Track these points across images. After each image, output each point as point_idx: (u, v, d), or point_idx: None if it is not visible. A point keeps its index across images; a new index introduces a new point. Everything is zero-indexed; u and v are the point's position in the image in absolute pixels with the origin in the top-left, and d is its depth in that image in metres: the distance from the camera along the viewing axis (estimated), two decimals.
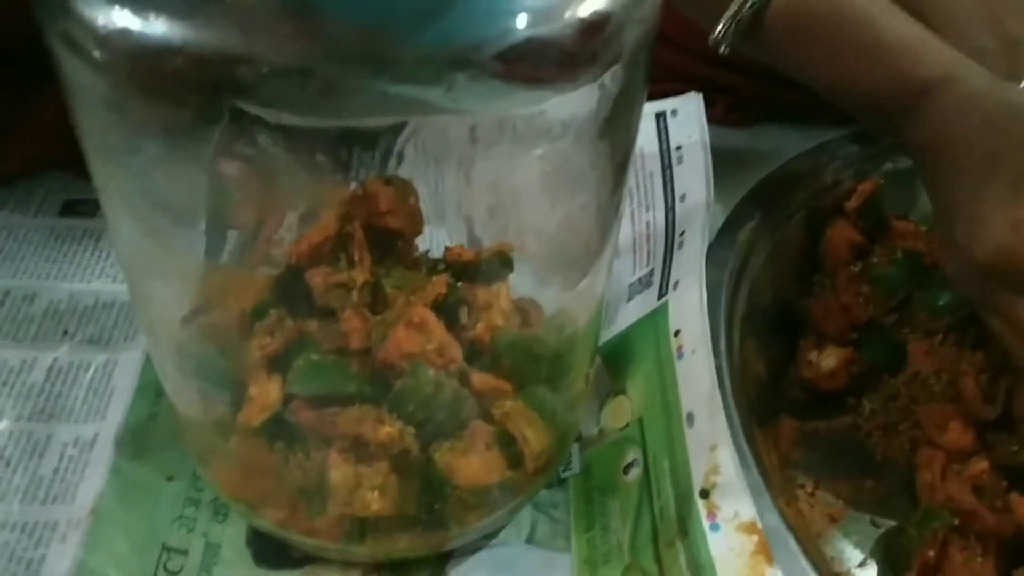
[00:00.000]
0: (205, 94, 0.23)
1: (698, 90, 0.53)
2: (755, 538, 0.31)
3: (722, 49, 0.42)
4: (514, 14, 0.24)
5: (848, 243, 0.45)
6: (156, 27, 0.22)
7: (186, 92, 0.23)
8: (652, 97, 0.48)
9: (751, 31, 0.41)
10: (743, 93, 0.55)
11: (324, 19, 0.24)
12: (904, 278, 0.44)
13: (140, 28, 0.22)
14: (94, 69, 0.23)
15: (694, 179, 0.44)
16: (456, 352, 0.32)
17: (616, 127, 0.29)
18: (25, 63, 0.42)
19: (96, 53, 0.23)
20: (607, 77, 0.26)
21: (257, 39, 0.22)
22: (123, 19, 0.22)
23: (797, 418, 0.42)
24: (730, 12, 0.41)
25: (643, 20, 0.27)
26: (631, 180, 0.47)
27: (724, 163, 0.46)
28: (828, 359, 0.42)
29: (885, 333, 0.44)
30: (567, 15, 0.24)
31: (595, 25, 0.25)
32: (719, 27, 0.41)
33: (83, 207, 0.47)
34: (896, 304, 0.44)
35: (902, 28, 0.39)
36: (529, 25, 0.24)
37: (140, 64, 0.23)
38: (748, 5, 0.40)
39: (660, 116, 0.48)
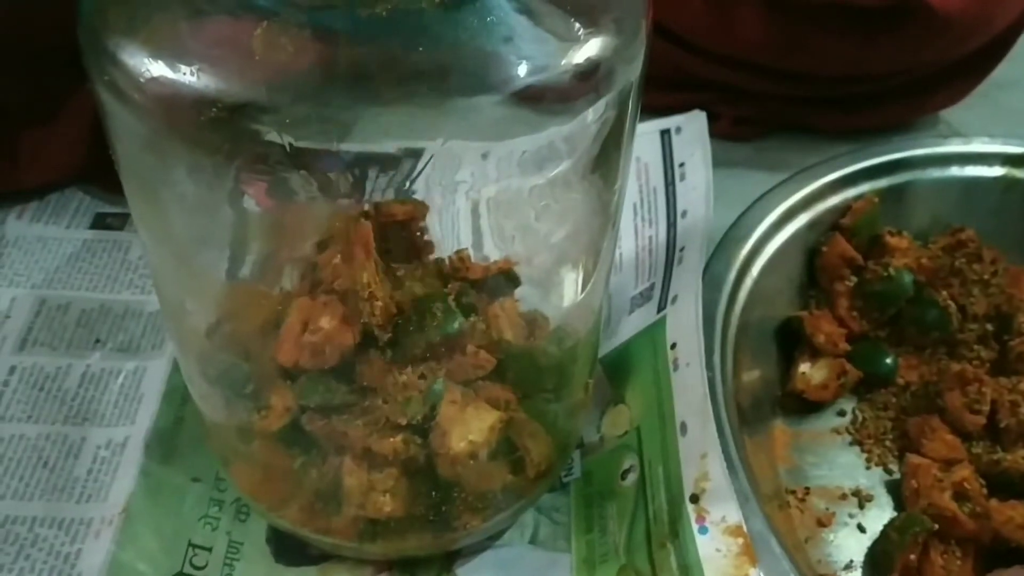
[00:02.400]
0: (232, 136, 0.25)
1: (706, 95, 0.55)
2: (740, 540, 0.33)
3: None
4: (515, 63, 0.26)
5: (843, 259, 0.46)
6: (188, 78, 0.24)
7: (215, 135, 0.25)
8: (660, 110, 0.50)
9: None
10: (751, 96, 0.57)
11: (349, 47, 0.26)
12: (896, 294, 0.45)
13: (175, 78, 0.24)
14: (133, 112, 0.26)
15: (695, 196, 0.46)
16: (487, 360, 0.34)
17: (609, 158, 0.31)
18: (56, 78, 0.44)
19: (136, 97, 0.25)
20: (600, 114, 0.29)
21: (285, 91, 0.24)
22: (160, 70, 0.25)
23: (790, 427, 0.44)
24: None
25: (633, 59, 0.29)
26: (636, 196, 0.49)
27: (727, 177, 0.48)
28: (819, 371, 0.44)
29: (877, 346, 0.46)
30: (563, 62, 0.26)
31: (589, 71, 0.27)
32: None
33: (113, 220, 0.50)
34: (888, 319, 0.46)
35: None
36: (529, 73, 0.26)
37: (174, 110, 0.25)
38: None
39: (665, 133, 0.50)
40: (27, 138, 0.48)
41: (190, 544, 0.38)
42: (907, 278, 0.45)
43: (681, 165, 0.48)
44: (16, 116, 0.48)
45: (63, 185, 0.50)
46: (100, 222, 0.49)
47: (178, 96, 0.24)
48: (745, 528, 0.34)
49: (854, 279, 0.46)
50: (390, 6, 0.24)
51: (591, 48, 0.27)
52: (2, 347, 0.44)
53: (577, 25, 0.27)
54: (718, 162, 0.47)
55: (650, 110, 0.50)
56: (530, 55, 0.26)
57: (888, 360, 0.45)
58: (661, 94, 0.53)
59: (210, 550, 0.38)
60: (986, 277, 0.47)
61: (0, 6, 0.44)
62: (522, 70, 0.26)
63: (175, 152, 0.26)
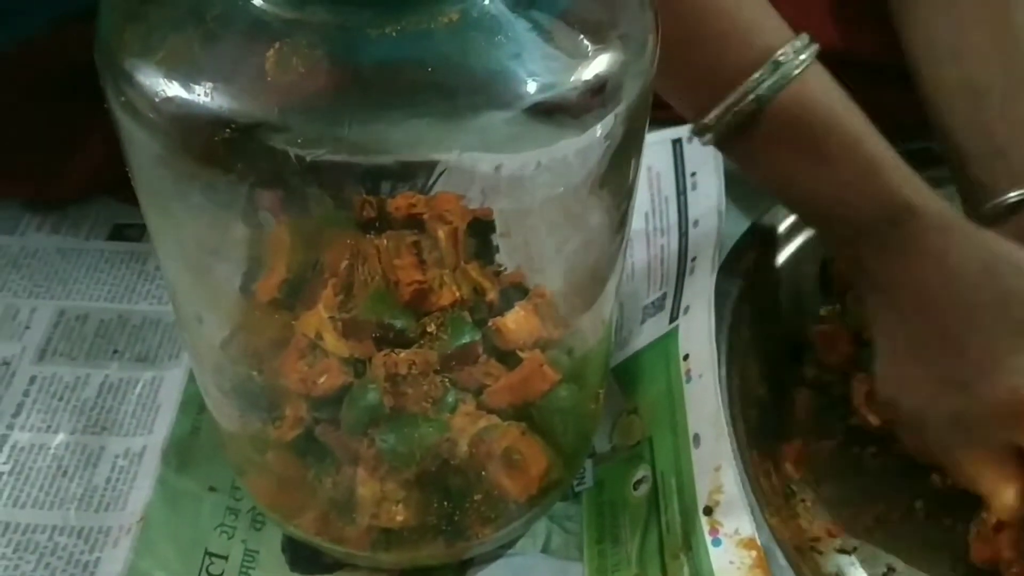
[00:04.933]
0: (245, 154, 0.26)
1: None
2: (754, 553, 0.34)
3: (703, 141, 0.41)
4: (524, 81, 0.26)
5: None
6: (203, 98, 0.25)
7: (229, 153, 0.25)
8: (671, 120, 0.50)
9: (744, 125, 0.40)
10: None
11: (360, 67, 0.26)
12: None
13: (189, 98, 0.25)
14: (149, 131, 0.26)
15: (707, 205, 0.47)
16: None
17: (619, 171, 0.31)
18: (77, 97, 0.45)
19: (151, 117, 0.26)
20: (610, 128, 0.29)
21: (297, 111, 0.25)
22: (175, 90, 0.25)
23: (800, 438, 0.44)
24: (729, 100, 0.39)
25: (641, 74, 0.29)
26: (647, 205, 0.49)
27: (739, 186, 0.48)
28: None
29: None
30: (572, 79, 0.27)
31: (597, 87, 0.27)
32: (711, 114, 0.40)
33: (131, 231, 0.50)
34: None
35: (888, 151, 0.39)
36: (538, 91, 0.26)
37: (188, 129, 0.25)
38: (751, 97, 0.39)
39: (676, 142, 0.50)
40: (52, 156, 0.49)
41: (207, 552, 0.38)
42: None
43: (693, 174, 0.48)
44: (42, 136, 0.49)
45: (84, 199, 0.51)
46: (118, 233, 0.50)
47: (192, 116, 0.25)
48: (759, 541, 0.34)
49: None
50: (399, 27, 0.24)
51: (599, 64, 0.27)
52: (22, 357, 0.44)
53: (585, 42, 0.28)
54: (729, 171, 0.47)
55: (662, 120, 0.50)
56: (539, 72, 0.26)
57: None
58: (671, 112, 0.52)
59: (226, 558, 0.38)
60: None
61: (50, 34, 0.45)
62: (531, 87, 0.26)
63: (190, 170, 0.27)
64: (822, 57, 0.40)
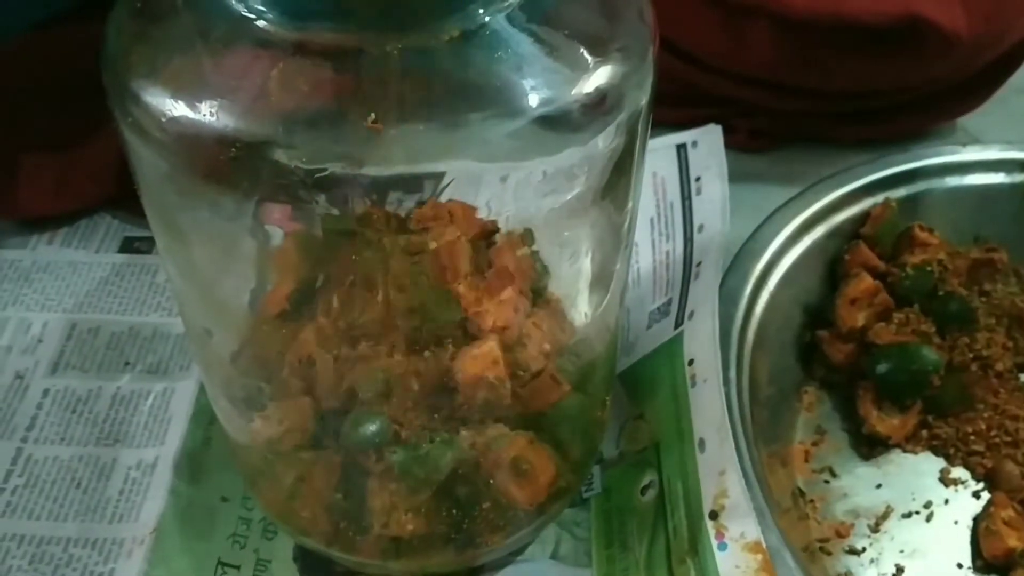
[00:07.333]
0: (252, 172, 0.26)
1: (721, 110, 0.55)
2: (759, 557, 0.34)
3: None
4: (525, 95, 0.26)
5: (866, 267, 0.46)
6: (208, 118, 0.25)
7: (235, 171, 0.26)
8: (675, 124, 0.51)
9: None
10: (765, 111, 0.57)
11: (362, 85, 0.27)
12: (913, 289, 0.45)
13: (195, 118, 0.25)
14: (156, 150, 0.27)
15: (712, 210, 0.47)
16: None
17: (620, 181, 0.32)
18: (85, 108, 0.45)
19: (158, 136, 0.26)
20: (611, 140, 0.29)
21: (301, 129, 0.25)
22: (181, 110, 0.25)
23: (808, 439, 0.44)
24: None
25: (641, 86, 0.29)
26: (653, 210, 0.49)
27: (743, 190, 0.48)
28: (893, 416, 0.43)
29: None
30: (573, 92, 0.27)
31: (598, 100, 0.27)
32: None
33: (141, 244, 0.51)
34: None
35: None
36: (539, 105, 0.26)
37: (194, 147, 0.26)
38: None
39: (681, 147, 0.51)
40: (55, 166, 0.50)
41: (219, 562, 0.38)
42: (926, 273, 0.45)
43: (697, 179, 0.49)
44: (44, 144, 0.49)
45: (91, 211, 0.52)
46: (128, 246, 0.51)
47: (198, 135, 0.25)
48: (764, 544, 0.34)
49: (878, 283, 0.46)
50: (401, 45, 0.25)
51: (600, 77, 0.27)
52: (35, 371, 0.45)
53: (586, 55, 0.28)
54: (734, 175, 0.47)
55: (666, 124, 0.50)
56: (541, 86, 0.27)
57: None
58: (676, 109, 0.53)
59: (239, 568, 0.38)
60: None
61: (31, 36, 0.45)
62: (533, 100, 0.27)
63: (197, 187, 0.27)
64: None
